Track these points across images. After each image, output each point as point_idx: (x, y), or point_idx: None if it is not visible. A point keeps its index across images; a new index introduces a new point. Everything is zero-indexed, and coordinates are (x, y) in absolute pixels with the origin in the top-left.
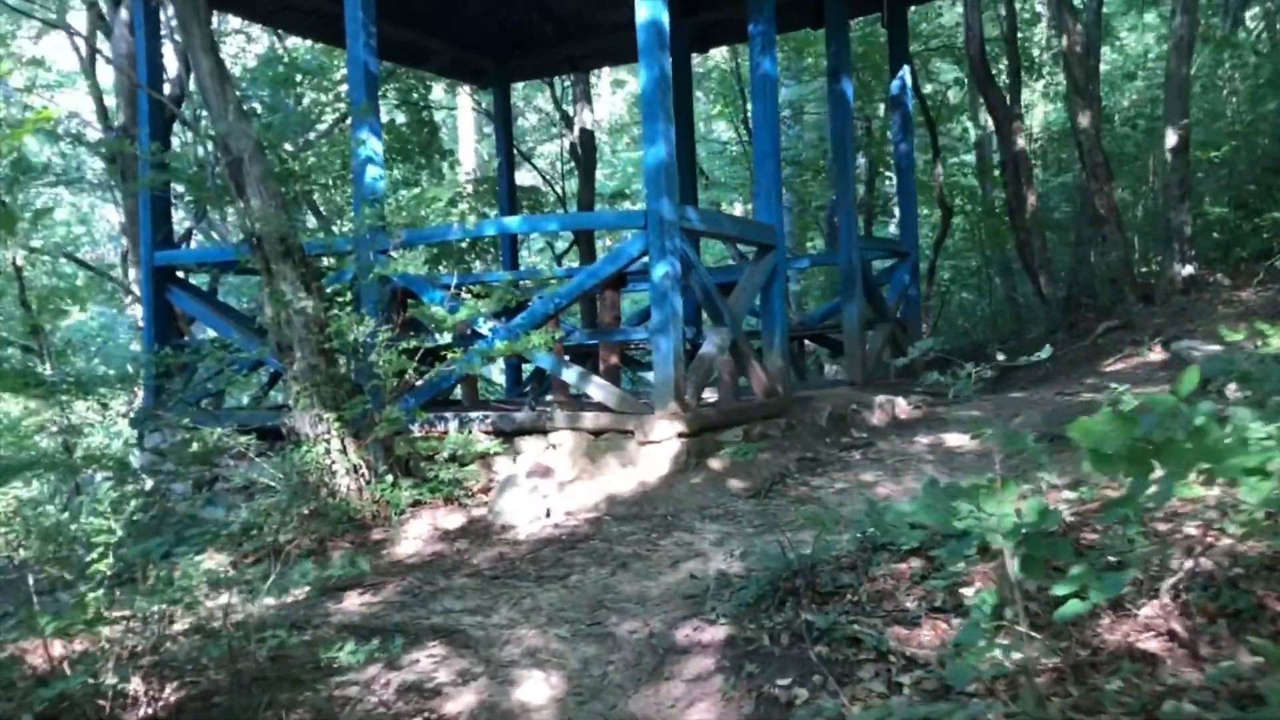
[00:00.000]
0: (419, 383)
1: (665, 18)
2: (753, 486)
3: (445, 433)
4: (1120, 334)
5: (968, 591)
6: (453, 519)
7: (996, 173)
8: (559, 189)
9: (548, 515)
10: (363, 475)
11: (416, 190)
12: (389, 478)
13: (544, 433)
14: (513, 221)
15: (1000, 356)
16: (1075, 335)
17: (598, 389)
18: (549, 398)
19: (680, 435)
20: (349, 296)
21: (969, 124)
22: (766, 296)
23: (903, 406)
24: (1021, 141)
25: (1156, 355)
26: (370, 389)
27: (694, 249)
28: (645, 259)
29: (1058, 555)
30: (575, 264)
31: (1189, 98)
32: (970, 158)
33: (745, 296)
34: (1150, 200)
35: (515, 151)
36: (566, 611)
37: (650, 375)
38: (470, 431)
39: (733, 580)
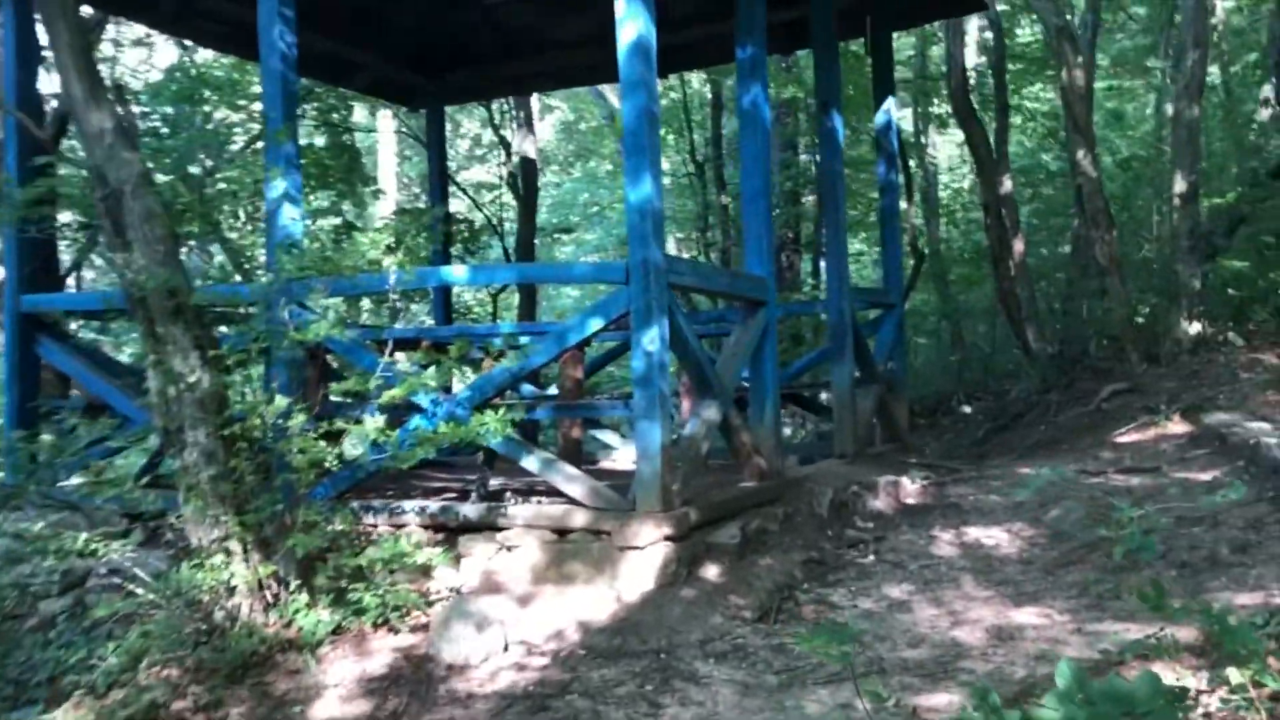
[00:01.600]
0: (337, 467)
1: (653, 36)
2: (757, 604)
3: (372, 530)
4: (1128, 398)
5: None
6: (383, 658)
7: (980, 215)
8: (494, 219)
9: (505, 650)
10: (269, 594)
11: (337, 220)
12: (303, 596)
13: (496, 530)
14: (461, 273)
15: (965, 409)
16: (1072, 397)
17: (566, 480)
18: (501, 483)
19: (668, 539)
20: (256, 363)
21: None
22: (757, 360)
23: (908, 488)
24: (1009, 183)
25: (1178, 427)
26: (281, 484)
27: (679, 305)
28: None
29: None
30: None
31: (1200, 143)
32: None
33: (736, 362)
34: (1152, 251)
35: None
36: None
37: (604, 435)
38: (404, 529)
39: None
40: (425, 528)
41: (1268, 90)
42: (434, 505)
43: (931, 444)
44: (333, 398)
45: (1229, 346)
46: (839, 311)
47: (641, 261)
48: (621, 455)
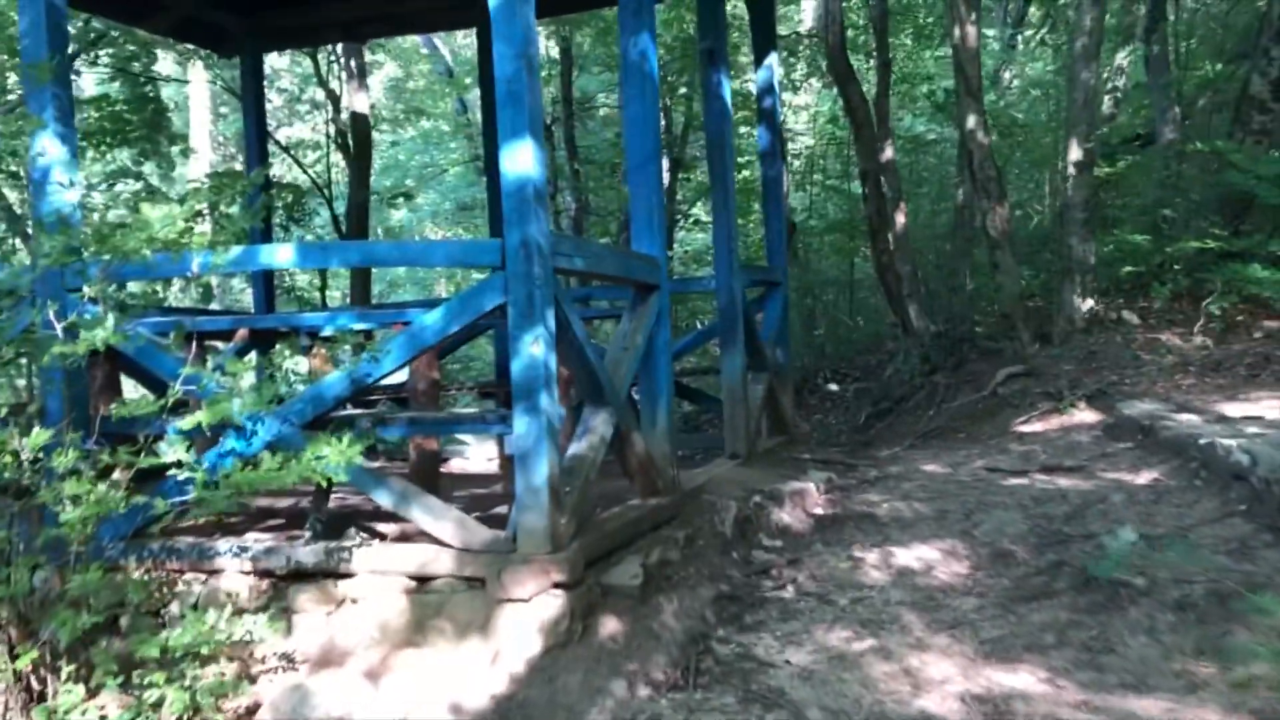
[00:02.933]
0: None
1: None
2: (671, 665)
3: (177, 578)
4: (1025, 382)
5: None
6: None
7: (856, 185)
8: (321, 183)
9: None
10: (35, 687)
11: (138, 185)
12: (79, 688)
13: (339, 577)
14: (287, 255)
15: (832, 386)
16: (962, 379)
17: (428, 514)
18: (344, 506)
19: (558, 586)
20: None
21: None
22: (649, 355)
23: (813, 495)
24: (889, 150)
25: (1085, 415)
26: (47, 541)
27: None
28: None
29: None
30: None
31: (1096, 108)
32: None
33: (628, 360)
34: (1043, 221)
35: (272, 141)
36: None
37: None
38: (218, 576)
39: None
40: (247, 574)
41: (1121, 58)
42: (257, 546)
43: (810, 430)
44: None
45: (1124, 326)
46: (729, 292)
47: (522, 242)
48: (476, 453)
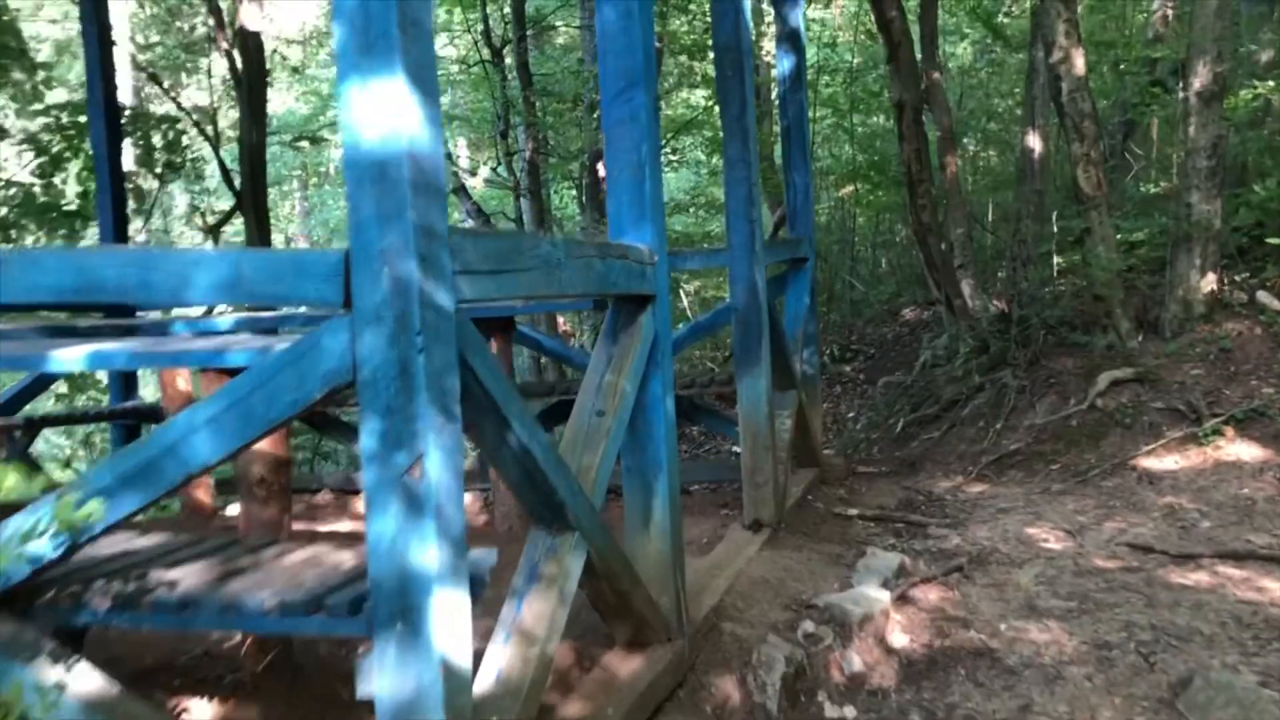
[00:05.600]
0: None
1: None
2: None
3: None
4: (1136, 392)
5: None
6: None
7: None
8: (203, 123)
9: None
10: None
11: None
12: None
13: None
14: None
15: (845, 368)
16: (1039, 380)
17: None
18: None
19: None
20: None
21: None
22: (640, 411)
23: (887, 609)
24: (937, 74)
25: (1240, 448)
26: None
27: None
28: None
29: None
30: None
31: (1227, 20)
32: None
33: (607, 433)
34: (1146, 176)
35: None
36: None
37: None
38: None
39: None
40: None
41: None
42: None
43: (847, 457)
44: None
45: (1263, 312)
46: (749, 285)
47: (385, 259)
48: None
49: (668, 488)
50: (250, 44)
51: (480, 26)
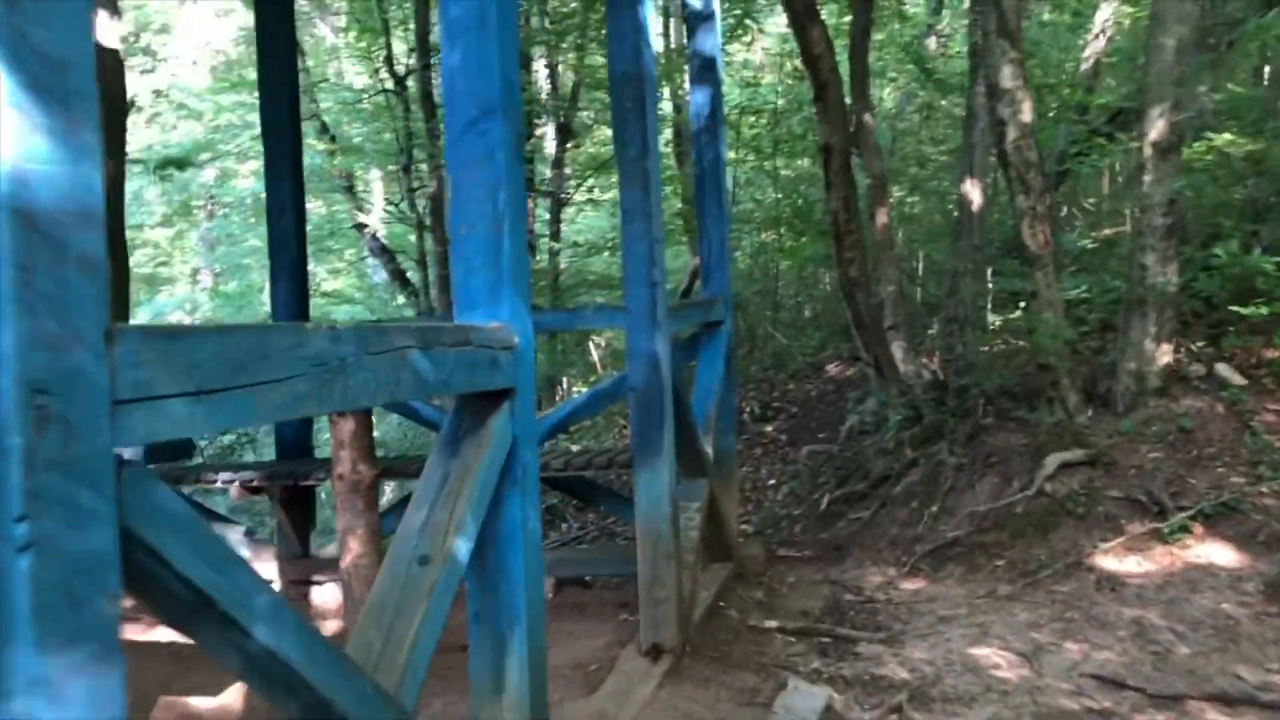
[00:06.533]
0: None
1: None
2: None
3: None
4: (1089, 477)
5: None
6: None
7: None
8: None
9: None
10: None
11: None
12: None
13: None
14: None
15: (766, 427)
16: (978, 457)
17: None
18: None
19: None
20: None
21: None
22: (489, 544)
23: None
24: (868, 116)
25: (1210, 548)
26: None
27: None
28: None
29: None
30: None
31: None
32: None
33: (440, 579)
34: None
35: None
36: None
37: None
38: None
39: None
40: None
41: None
42: None
43: (761, 550)
44: None
45: (1224, 388)
46: (648, 360)
47: None
48: None
49: (527, 646)
50: (107, 63)
51: (384, 55)
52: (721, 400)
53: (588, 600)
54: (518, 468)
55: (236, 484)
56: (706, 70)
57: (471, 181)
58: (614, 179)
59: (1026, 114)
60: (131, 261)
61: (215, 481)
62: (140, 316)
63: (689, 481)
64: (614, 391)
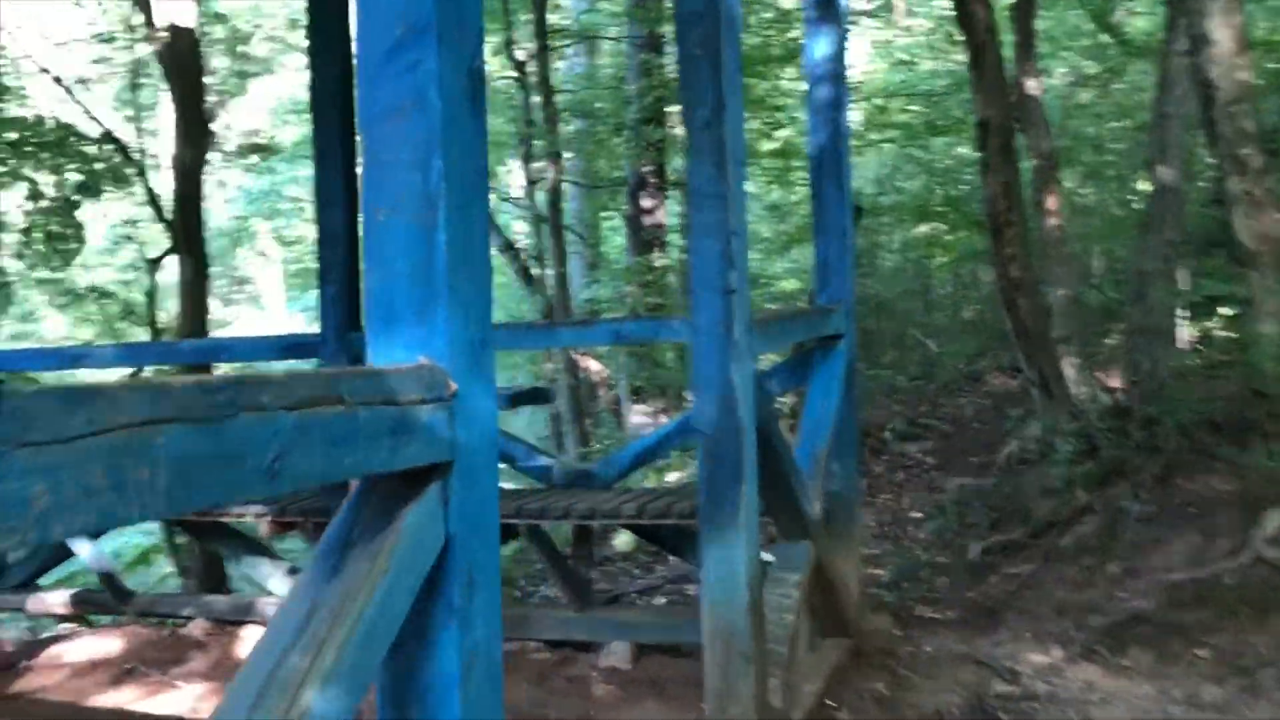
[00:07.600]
0: None
1: None
2: None
3: None
4: None
5: None
6: None
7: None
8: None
9: None
10: None
11: None
12: None
13: None
14: None
15: (909, 446)
16: (1171, 505)
17: None
18: None
19: None
20: None
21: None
22: (410, 701)
23: None
24: (1033, 84)
25: None
26: None
27: None
28: None
29: None
30: None
31: None
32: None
33: None
34: None
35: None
36: None
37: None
38: None
39: None
40: None
41: None
42: None
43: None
44: None
45: None
46: (722, 395)
47: None
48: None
49: None
50: (179, 43)
51: (506, 38)
52: (838, 433)
53: (670, 675)
54: (453, 585)
55: (268, 518)
56: (825, 8)
57: (390, 140)
58: (762, 171)
59: (1244, 71)
60: (286, 256)
61: (243, 516)
62: (295, 313)
63: (786, 544)
64: (681, 433)
